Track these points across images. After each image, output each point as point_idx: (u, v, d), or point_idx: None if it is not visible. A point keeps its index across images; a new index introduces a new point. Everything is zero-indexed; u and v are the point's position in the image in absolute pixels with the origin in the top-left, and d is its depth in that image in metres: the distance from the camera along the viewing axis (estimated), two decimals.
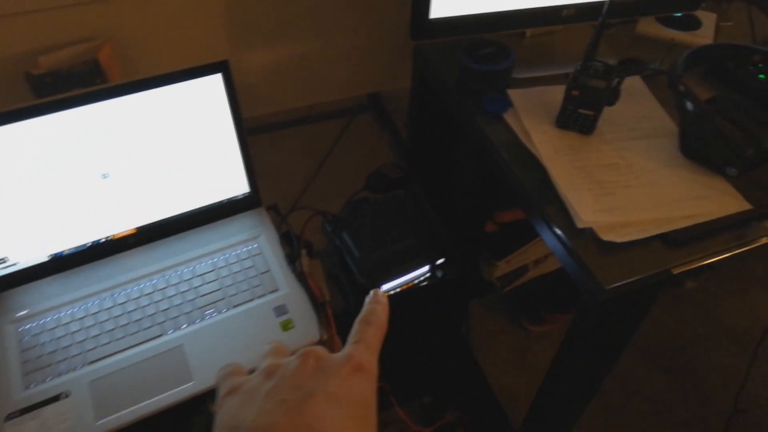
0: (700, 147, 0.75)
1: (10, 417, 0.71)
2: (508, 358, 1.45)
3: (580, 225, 0.69)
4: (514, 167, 0.78)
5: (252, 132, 1.11)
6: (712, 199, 0.72)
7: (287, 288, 0.86)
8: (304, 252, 0.90)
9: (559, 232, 0.70)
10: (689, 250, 0.69)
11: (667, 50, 0.95)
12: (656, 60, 0.92)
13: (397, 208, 0.94)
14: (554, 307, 1.43)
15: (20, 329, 0.80)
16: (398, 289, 0.86)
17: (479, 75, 0.85)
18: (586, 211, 0.69)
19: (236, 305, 0.84)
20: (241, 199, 0.94)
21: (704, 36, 0.95)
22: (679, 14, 0.96)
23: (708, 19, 0.98)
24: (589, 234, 0.69)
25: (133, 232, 0.89)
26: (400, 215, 0.93)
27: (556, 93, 0.82)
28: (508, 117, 0.83)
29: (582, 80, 0.75)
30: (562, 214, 0.71)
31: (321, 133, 1.20)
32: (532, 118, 0.82)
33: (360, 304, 0.36)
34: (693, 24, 0.96)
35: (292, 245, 0.91)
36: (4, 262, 0.82)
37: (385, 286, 0.85)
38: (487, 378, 1.33)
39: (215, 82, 0.82)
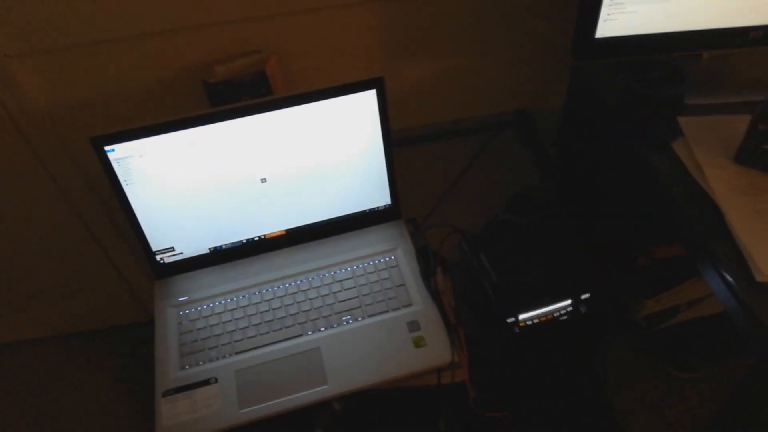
0: None
1: (166, 393, 0.79)
2: (645, 403, 1.33)
3: (759, 278, 0.61)
4: (682, 203, 0.71)
5: (395, 145, 1.13)
6: None
7: (421, 304, 0.86)
8: (439, 269, 0.89)
9: (732, 282, 0.63)
10: None
11: None
12: None
13: (541, 233, 0.90)
14: (705, 355, 1.29)
15: (180, 313, 0.88)
16: (536, 321, 0.83)
17: (646, 99, 0.79)
18: None
19: (371, 315, 0.86)
20: (382, 210, 0.96)
21: None
22: None
23: None
24: None
25: (282, 233, 0.94)
26: (544, 242, 0.89)
27: (737, 124, 0.74)
28: (677, 147, 0.76)
29: None
30: (738, 263, 0.63)
31: (463, 149, 1.19)
32: (705, 150, 0.74)
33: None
34: None
35: (428, 261, 0.91)
36: (172, 251, 0.91)
37: (522, 316, 0.82)
38: (618, 422, 1.23)
39: (369, 97, 0.84)
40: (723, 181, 0.70)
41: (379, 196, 0.95)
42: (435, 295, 0.86)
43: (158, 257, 0.91)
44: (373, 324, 0.85)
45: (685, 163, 0.74)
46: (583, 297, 0.82)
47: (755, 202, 0.68)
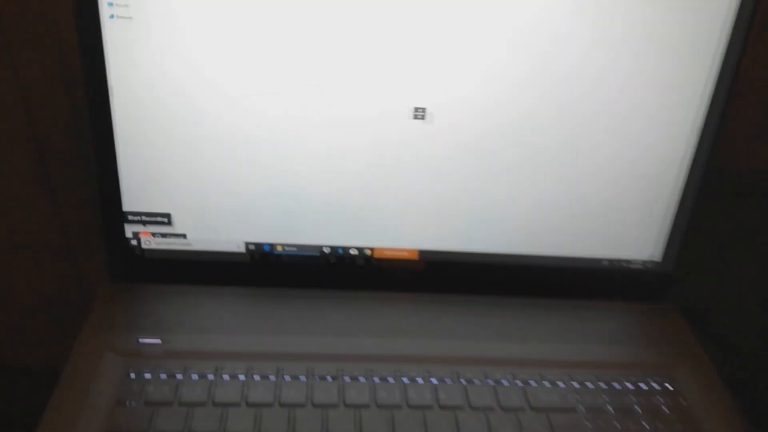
0: None
1: None
2: None
3: None
4: None
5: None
6: None
7: None
8: None
9: None
10: None
11: None
12: None
13: None
14: None
15: (131, 375, 0.35)
16: None
17: None
18: None
19: None
20: (640, 270, 0.42)
21: None
22: None
23: None
24: None
25: (413, 257, 0.41)
26: None
27: None
28: None
29: None
30: None
31: None
32: None
33: None
34: None
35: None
36: (165, 223, 0.40)
37: None
38: None
39: None
40: None
41: (642, 237, 0.41)
42: None
43: (130, 229, 0.40)
44: None
45: None
46: None
47: None
